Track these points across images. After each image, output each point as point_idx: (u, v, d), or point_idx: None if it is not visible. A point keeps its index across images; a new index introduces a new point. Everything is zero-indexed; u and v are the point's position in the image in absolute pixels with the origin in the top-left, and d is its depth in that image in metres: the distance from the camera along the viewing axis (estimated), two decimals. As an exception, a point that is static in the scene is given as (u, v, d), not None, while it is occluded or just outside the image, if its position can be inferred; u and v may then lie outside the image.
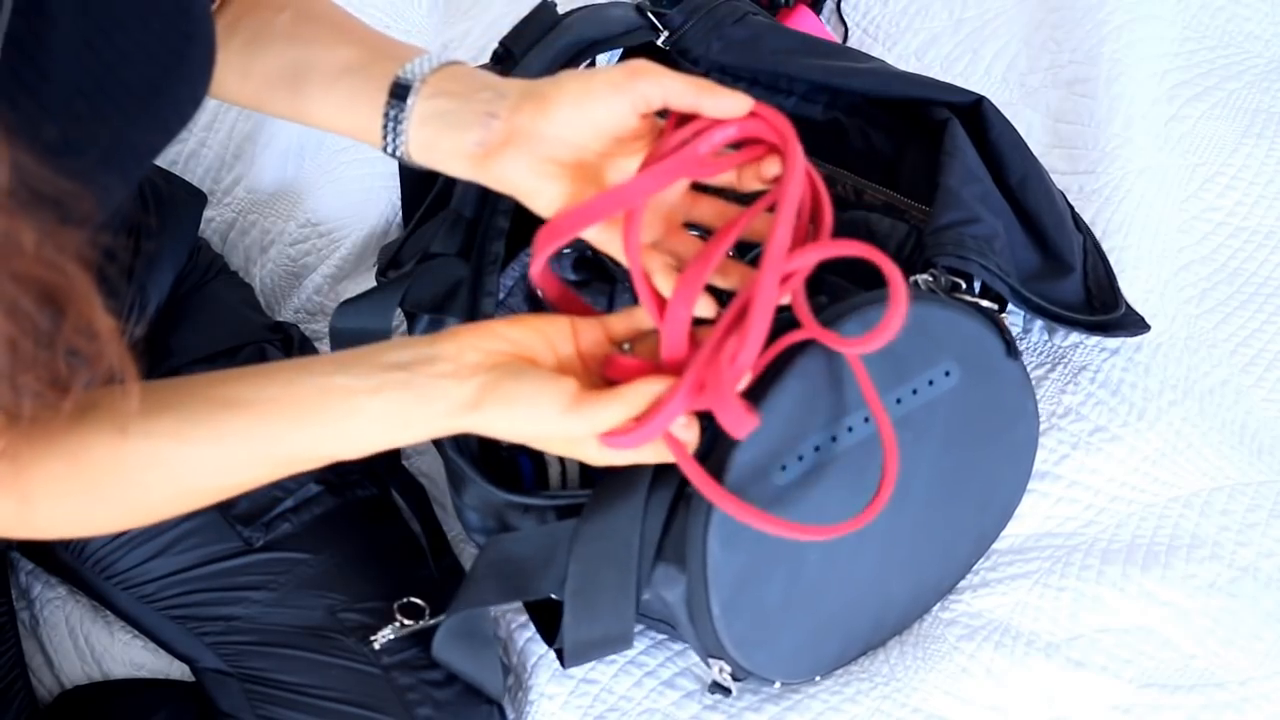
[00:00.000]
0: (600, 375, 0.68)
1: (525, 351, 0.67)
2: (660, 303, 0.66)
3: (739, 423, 0.64)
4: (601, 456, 0.66)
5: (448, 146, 0.70)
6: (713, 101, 0.66)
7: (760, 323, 0.63)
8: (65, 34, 0.57)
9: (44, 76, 0.56)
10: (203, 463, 0.65)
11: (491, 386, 0.64)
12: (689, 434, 0.65)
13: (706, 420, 0.67)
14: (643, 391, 0.64)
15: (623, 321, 0.70)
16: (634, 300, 0.74)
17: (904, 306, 0.63)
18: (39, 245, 0.48)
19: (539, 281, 0.71)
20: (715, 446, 0.70)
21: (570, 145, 0.68)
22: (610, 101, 0.66)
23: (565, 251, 0.87)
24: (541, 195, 0.69)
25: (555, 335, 0.68)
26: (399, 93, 0.70)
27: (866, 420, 0.73)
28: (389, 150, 0.72)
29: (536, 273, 0.70)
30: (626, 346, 0.70)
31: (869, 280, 0.78)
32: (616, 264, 0.86)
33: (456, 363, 0.65)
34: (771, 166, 0.67)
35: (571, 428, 0.64)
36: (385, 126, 0.71)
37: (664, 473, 0.71)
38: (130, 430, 0.63)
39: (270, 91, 0.76)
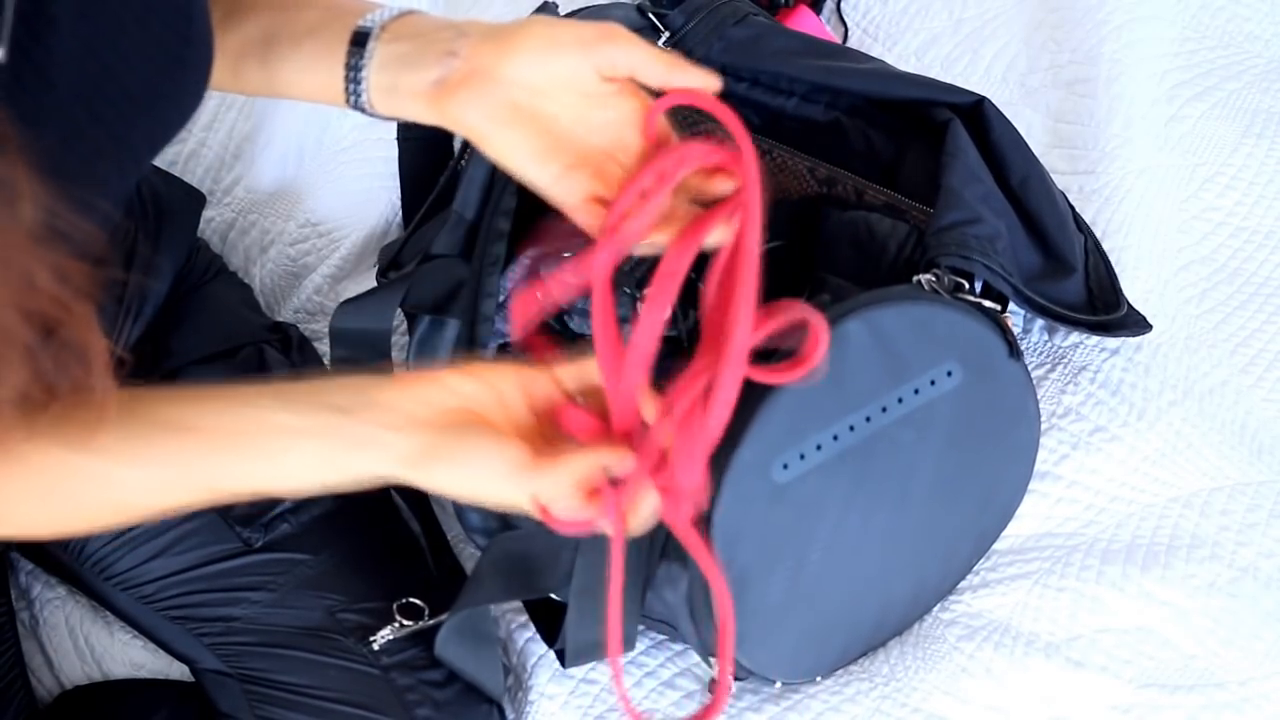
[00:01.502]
0: (549, 427, 0.66)
1: (473, 405, 0.64)
2: (616, 370, 0.64)
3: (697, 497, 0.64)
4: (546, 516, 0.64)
5: (406, 88, 0.68)
6: (682, 77, 0.65)
7: (723, 406, 0.62)
8: (67, 38, 0.57)
9: (47, 81, 0.56)
10: (140, 484, 0.64)
11: (435, 447, 0.62)
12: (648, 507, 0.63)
13: None
14: (588, 462, 0.62)
15: (573, 374, 0.67)
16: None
17: (823, 351, 0.62)
18: (52, 283, 0.48)
19: (522, 342, 0.69)
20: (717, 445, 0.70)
21: (529, 90, 0.66)
22: (573, 59, 0.65)
23: (566, 255, 0.87)
24: (496, 139, 0.67)
25: (504, 387, 0.66)
26: (359, 40, 0.70)
27: (868, 419, 0.73)
28: (351, 101, 0.71)
29: (518, 339, 0.68)
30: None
31: (869, 280, 0.78)
32: (616, 271, 0.86)
33: (397, 413, 0.63)
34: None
35: (515, 495, 0.63)
36: (346, 77, 0.70)
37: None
38: (76, 444, 0.62)
39: (243, 65, 0.75)
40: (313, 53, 0.72)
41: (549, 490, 0.62)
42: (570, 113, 0.67)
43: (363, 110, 0.71)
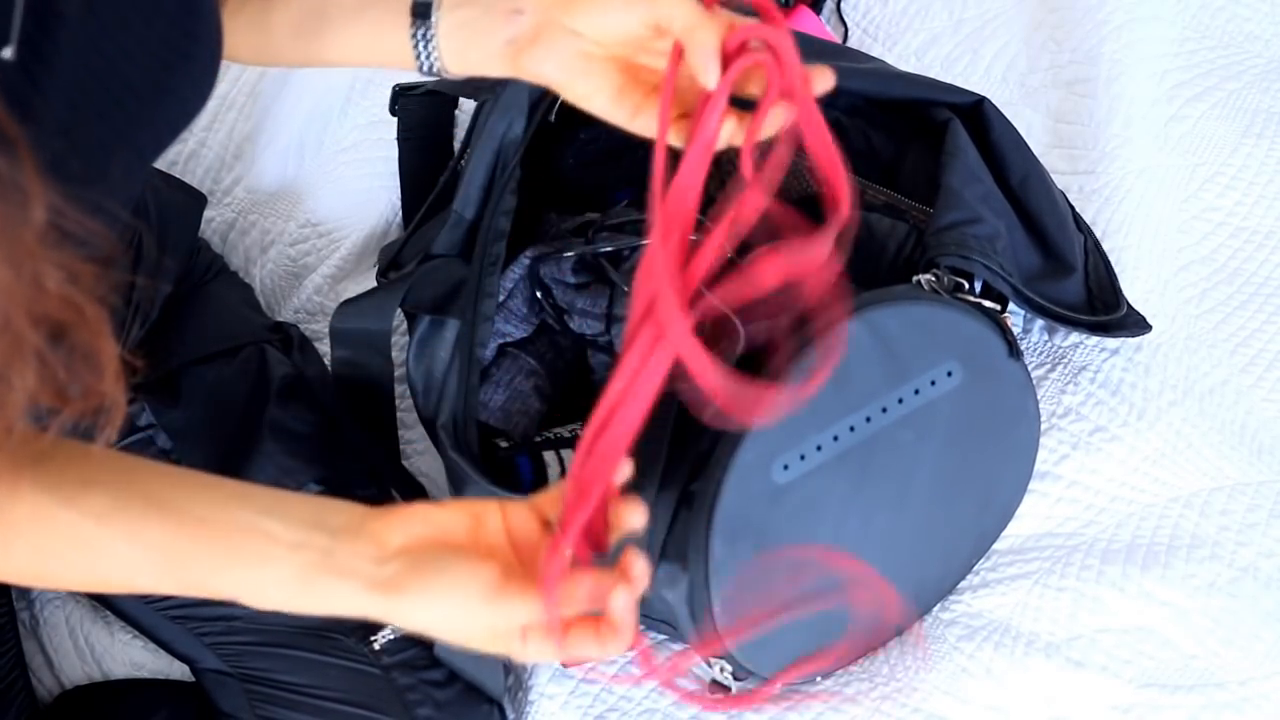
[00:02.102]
0: (530, 562, 0.62)
1: (449, 536, 0.63)
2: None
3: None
4: (527, 654, 0.62)
5: (479, 52, 0.70)
6: (700, 65, 0.63)
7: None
8: (74, 34, 0.57)
9: (56, 79, 0.56)
10: (116, 554, 0.63)
11: (409, 571, 0.61)
12: (641, 565, 0.60)
13: (704, 428, 0.65)
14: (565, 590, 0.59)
15: (552, 500, 0.65)
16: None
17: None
18: (62, 285, 0.48)
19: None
20: (717, 446, 0.70)
21: (596, 42, 0.67)
22: (624, 14, 0.65)
23: (566, 255, 0.87)
24: (575, 87, 0.68)
25: (484, 516, 0.64)
26: (421, 11, 0.71)
27: (869, 420, 0.73)
28: (424, 69, 0.72)
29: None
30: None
31: (869, 280, 0.78)
32: (615, 268, 0.86)
33: (379, 543, 0.62)
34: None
35: (495, 619, 0.60)
36: (415, 48, 0.71)
37: (671, 473, 0.71)
38: (66, 499, 0.61)
39: (290, 41, 0.76)
40: (374, 25, 0.73)
41: (533, 610, 0.60)
42: (637, 50, 0.67)
43: (437, 76, 0.72)
